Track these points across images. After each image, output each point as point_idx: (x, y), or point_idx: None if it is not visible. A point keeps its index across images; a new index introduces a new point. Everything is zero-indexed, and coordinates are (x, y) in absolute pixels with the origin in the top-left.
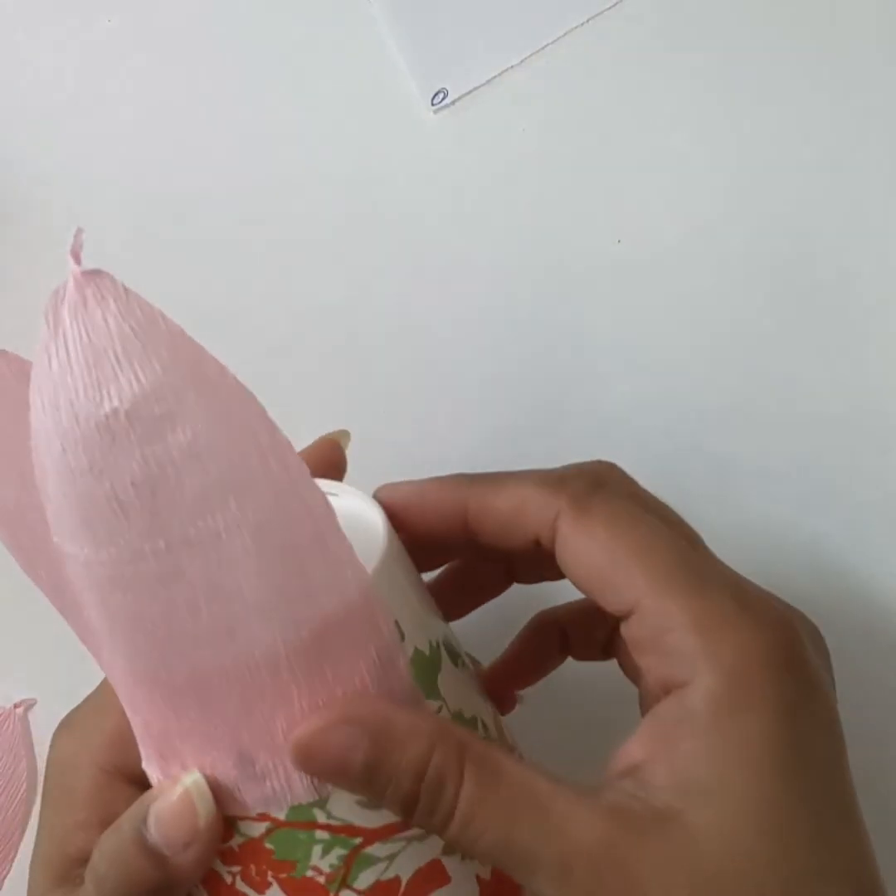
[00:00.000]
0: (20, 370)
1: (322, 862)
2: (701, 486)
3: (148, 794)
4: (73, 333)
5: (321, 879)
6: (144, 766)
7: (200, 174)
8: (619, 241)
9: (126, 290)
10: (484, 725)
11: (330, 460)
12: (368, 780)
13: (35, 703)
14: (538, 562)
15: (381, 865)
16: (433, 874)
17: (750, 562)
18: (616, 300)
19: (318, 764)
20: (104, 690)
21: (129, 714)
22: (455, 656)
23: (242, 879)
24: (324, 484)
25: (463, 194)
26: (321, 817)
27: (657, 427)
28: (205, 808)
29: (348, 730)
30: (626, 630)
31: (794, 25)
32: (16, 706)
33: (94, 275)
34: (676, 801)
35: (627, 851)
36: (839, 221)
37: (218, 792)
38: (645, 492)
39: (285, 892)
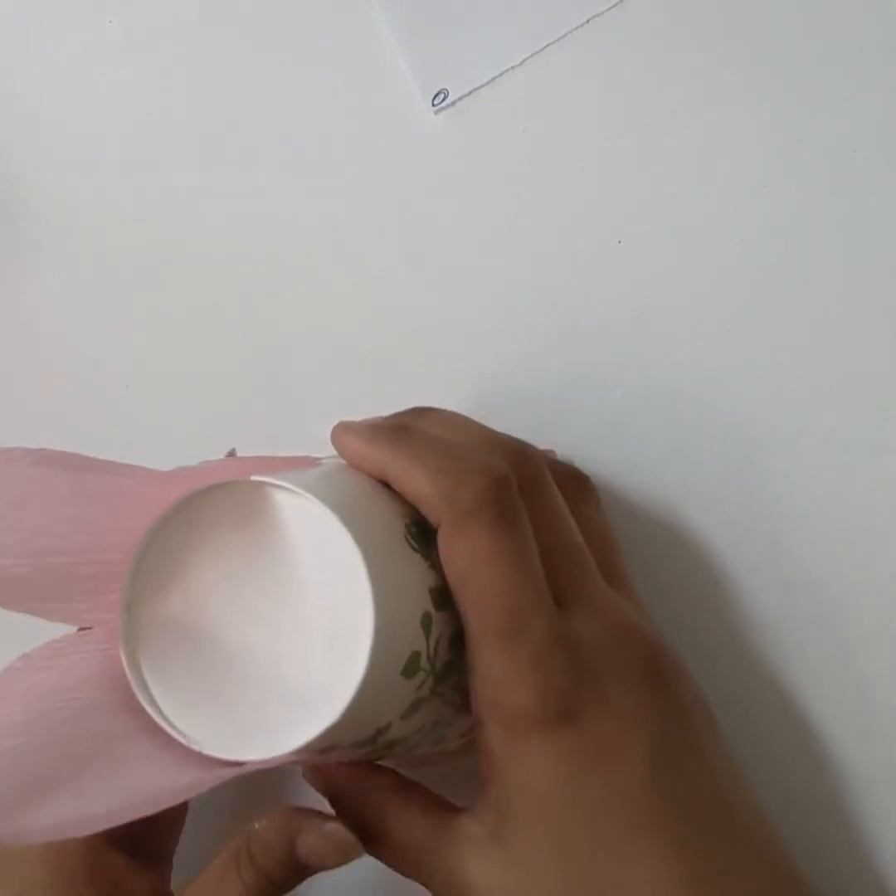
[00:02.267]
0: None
1: None
2: (697, 484)
3: None
4: None
5: None
6: None
7: (201, 175)
8: (619, 242)
9: None
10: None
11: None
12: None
13: None
14: None
15: None
16: None
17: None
18: (617, 300)
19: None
20: None
21: None
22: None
23: None
24: (289, 477)
25: (463, 195)
26: None
27: (657, 428)
28: None
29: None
30: None
31: (795, 25)
32: None
33: None
34: (501, 826)
35: (460, 858)
36: (839, 222)
37: None
38: (538, 494)
39: None
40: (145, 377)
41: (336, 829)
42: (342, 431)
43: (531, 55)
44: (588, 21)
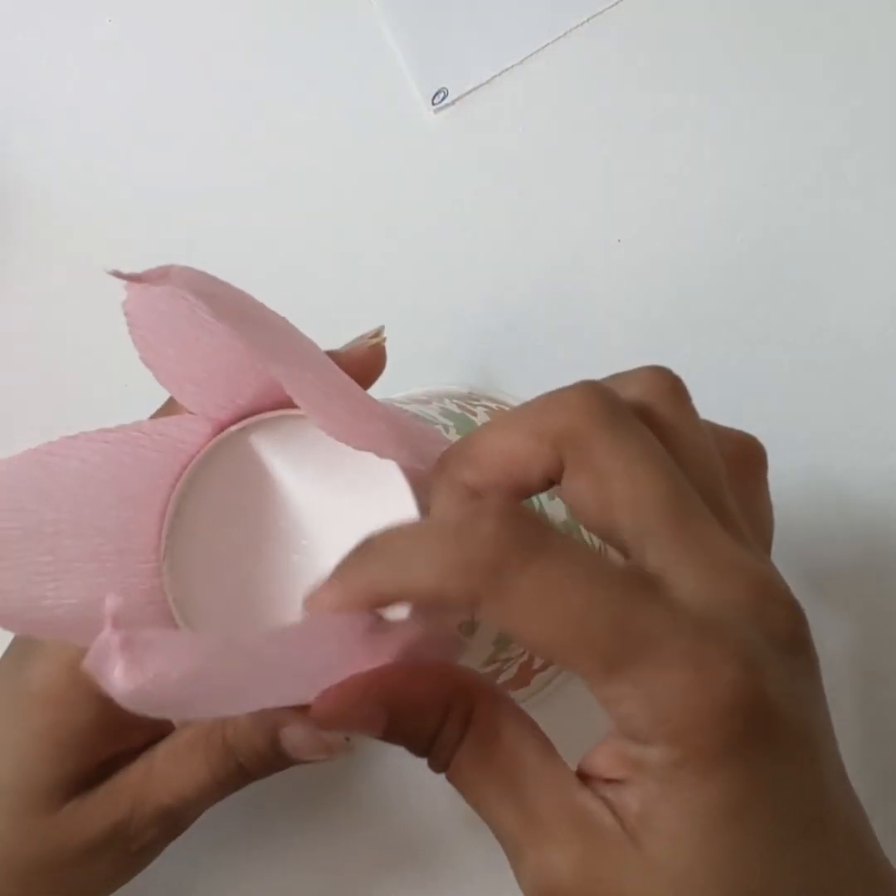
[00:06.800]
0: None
1: None
2: None
3: None
4: None
5: None
6: None
7: (201, 175)
8: (619, 241)
9: None
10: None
11: (370, 366)
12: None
13: None
14: None
15: None
16: None
17: None
18: (617, 299)
19: (340, 729)
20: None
21: None
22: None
23: None
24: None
25: (463, 194)
26: None
27: None
28: None
29: (370, 707)
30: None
31: (793, 25)
32: None
33: None
34: (641, 834)
35: (594, 867)
36: (839, 221)
37: None
38: (613, 443)
39: None
40: (144, 377)
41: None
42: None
43: (531, 54)
44: (587, 20)
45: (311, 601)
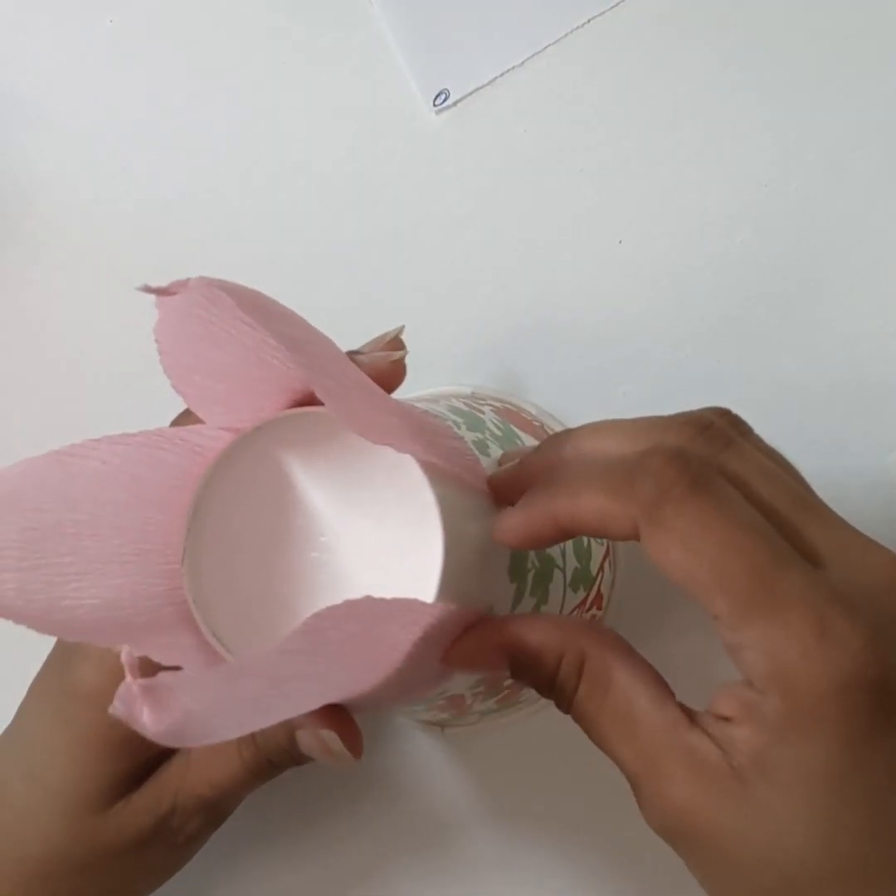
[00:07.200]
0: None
1: None
2: None
3: None
4: None
5: None
6: None
7: (201, 175)
8: (620, 242)
9: None
10: None
11: (389, 379)
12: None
13: None
14: None
15: None
16: None
17: None
18: (617, 300)
19: (469, 670)
20: None
21: None
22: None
23: None
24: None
25: (464, 195)
26: None
27: None
28: None
29: (491, 653)
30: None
31: (793, 25)
32: None
33: None
34: (748, 773)
35: (700, 800)
36: (839, 222)
37: None
38: (731, 458)
39: None
40: (146, 377)
41: (330, 736)
42: (497, 522)
43: (532, 55)
44: (588, 21)
45: (498, 531)
